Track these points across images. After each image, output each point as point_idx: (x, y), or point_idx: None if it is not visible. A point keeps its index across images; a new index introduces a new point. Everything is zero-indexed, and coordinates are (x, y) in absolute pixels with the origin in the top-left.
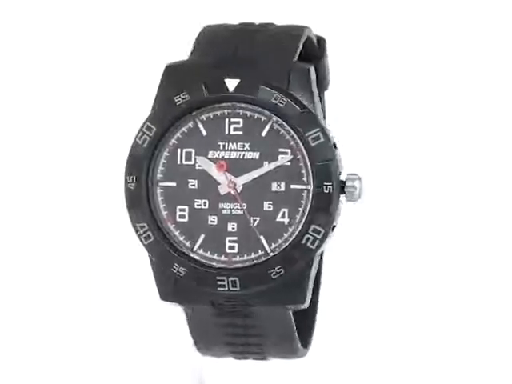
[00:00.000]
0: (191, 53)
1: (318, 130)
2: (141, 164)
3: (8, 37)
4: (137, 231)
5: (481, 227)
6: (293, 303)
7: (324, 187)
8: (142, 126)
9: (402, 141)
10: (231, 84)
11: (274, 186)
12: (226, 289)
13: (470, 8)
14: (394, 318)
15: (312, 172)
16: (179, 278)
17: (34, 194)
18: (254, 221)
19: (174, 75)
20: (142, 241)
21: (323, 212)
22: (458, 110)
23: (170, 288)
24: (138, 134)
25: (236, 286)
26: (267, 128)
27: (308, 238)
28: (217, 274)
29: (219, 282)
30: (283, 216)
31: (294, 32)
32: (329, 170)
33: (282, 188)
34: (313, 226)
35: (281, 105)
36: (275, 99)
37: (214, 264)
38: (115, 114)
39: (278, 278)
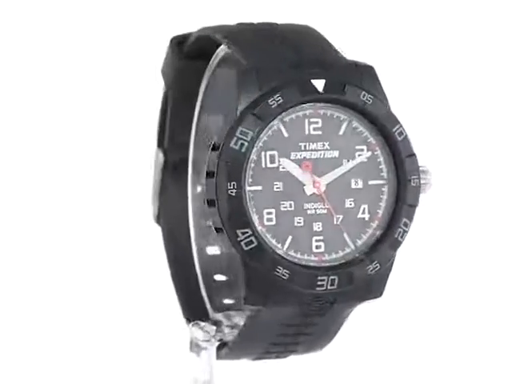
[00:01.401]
0: (240, 55)
1: (400, 125)
2: (239, 169)
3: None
4: (237, 237)
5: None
6: (373, 297)
7: (412, 180)
8: (235, 131)
9: None
10: (318, 85)
11: (353, 183)
12: (324, 288)
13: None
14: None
15: (396, 167)
16: (281, 281)
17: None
18: (338, 219)
19: (254, 77)
20: (241, 247)
21: (411, 205)
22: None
23: (263, 292)
24: (231, 140)
25: (334, 285)
26: (344, 126)
27: (399, 232)
28: (319, 274)
29: (319, 282)
30: (363, 212)
31: (317, 33)
32: (415, 163)
33: (360, 185)
34: (404, 220)
35: (368, 102)
36: (363, 97)
37: (308, 264)
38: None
39: (373, 274)
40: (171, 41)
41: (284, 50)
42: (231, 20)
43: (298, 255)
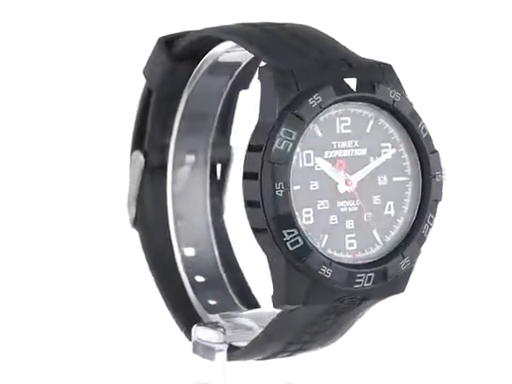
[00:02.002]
0: (260, 56)
1: (422, 122)
2: (285, 170)
3: None
4: (283, 238)
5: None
6: (397, 293)
7: (436, 176)
8: (278, 132)
9: None
10: (351, 84)
11: (379, 180)
12: (361, 285)
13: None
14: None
15: (421, 163)
16: (323, 280)
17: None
18: (367, 216)
19: (292, 78)
20: (286, 247)
21: (436, 200)
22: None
23: (304, 291)
24: (275, 141)
25: (370, 282)
26: (371, 123)
27: (425, 227)
28: (357, 271)
29: (357, 280)
30: (389, 209)
31: (323, 32)
32: (439, 159)
33: (385, 182)
34: (430, 215)
35: (397, 100)
36: (392, 95)
37: (344, 261)
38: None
39: (405, 270)
40: (159, 40)
41: (308, 49)
42: (219, 20)
43: (335, 253)
